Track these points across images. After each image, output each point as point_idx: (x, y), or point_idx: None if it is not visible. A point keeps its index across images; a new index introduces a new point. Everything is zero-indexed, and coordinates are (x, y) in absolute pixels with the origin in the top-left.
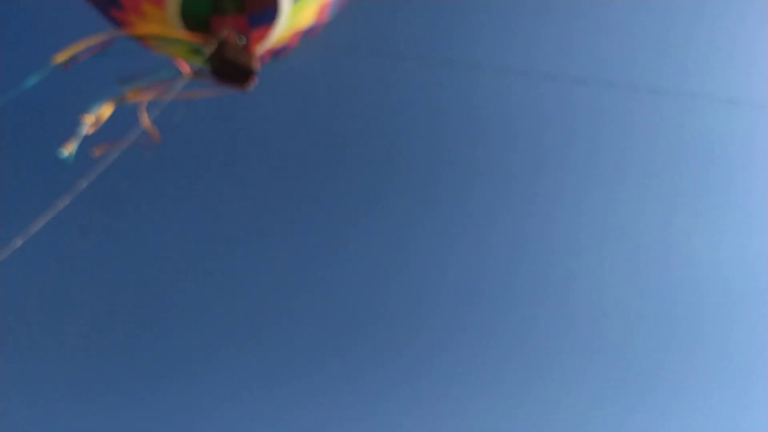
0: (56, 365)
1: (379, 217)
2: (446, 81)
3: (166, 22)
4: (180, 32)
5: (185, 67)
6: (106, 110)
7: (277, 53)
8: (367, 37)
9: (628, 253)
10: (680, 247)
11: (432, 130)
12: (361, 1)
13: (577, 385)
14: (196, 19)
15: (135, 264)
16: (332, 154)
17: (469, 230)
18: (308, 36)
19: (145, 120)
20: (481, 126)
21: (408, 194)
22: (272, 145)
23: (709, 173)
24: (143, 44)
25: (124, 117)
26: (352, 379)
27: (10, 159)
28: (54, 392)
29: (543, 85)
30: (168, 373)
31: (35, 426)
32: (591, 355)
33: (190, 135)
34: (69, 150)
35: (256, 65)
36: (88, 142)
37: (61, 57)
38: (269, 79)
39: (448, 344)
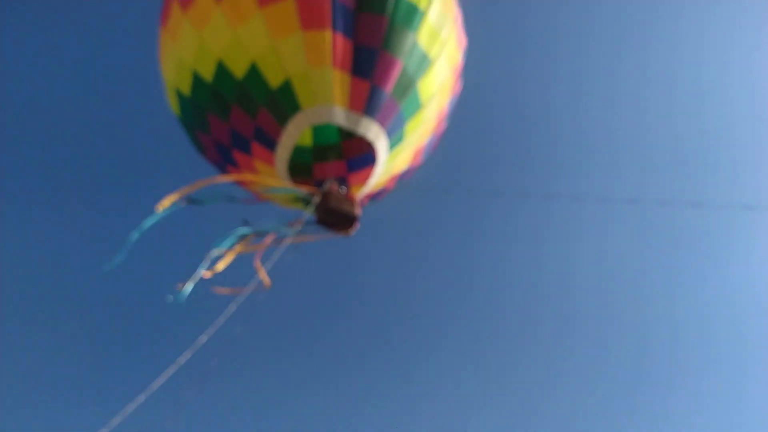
0: None
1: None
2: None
3: (274, 176)
4: (287, 183)
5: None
6: (226, 258)
7: (375, 196)
8: (458, 176)
9: None
10: None
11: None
12: (455, 140)
13: None
14: (300, 168)
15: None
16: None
17: None
18: (404, 178)
19: (259, 268)
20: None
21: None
22: (374, 282)
23: None
24: (251, 192)
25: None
26: None
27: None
28: None
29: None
30: None
31: None
32: None
33: (297, 276)
34: (183, 289)
35: (358, 212)
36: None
37: (166, 202)
38: (367, 218)
39: None
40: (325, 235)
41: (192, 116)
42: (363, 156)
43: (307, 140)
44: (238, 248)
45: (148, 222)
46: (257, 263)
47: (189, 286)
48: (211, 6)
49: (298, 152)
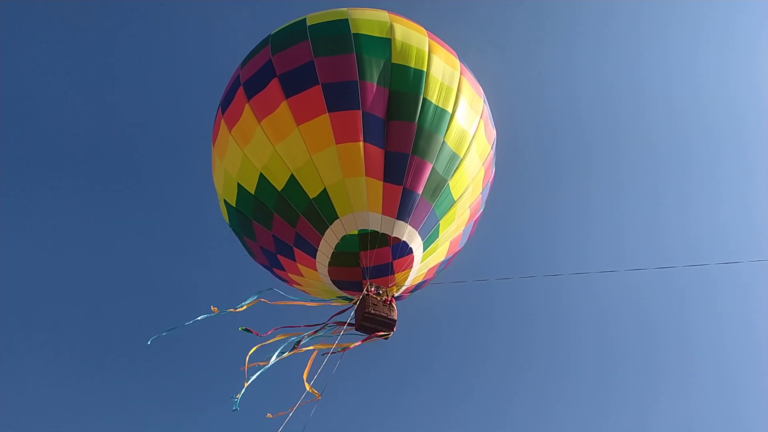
0: None
1: None
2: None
3: (317, 279)
4: (329, 287)
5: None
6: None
7: (414, 289)
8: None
9: None
10: None
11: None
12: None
13: None
14: (344, 260)
15: None
16: None
17: None
18: (443, 267)
19: (306, 379)
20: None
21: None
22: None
23: None
24: (301, 291)
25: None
26: None
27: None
28: None
29: None
30: None
31: None
32: None
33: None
34: (237, 399)
35: (395, 316)
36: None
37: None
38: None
39: None
40: (365, 340)
41: (239, 224)
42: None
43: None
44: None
45: (200, 317)
46: (305, 377)
47: (240, 395)
48: (253, 125)
49: (344, 240)
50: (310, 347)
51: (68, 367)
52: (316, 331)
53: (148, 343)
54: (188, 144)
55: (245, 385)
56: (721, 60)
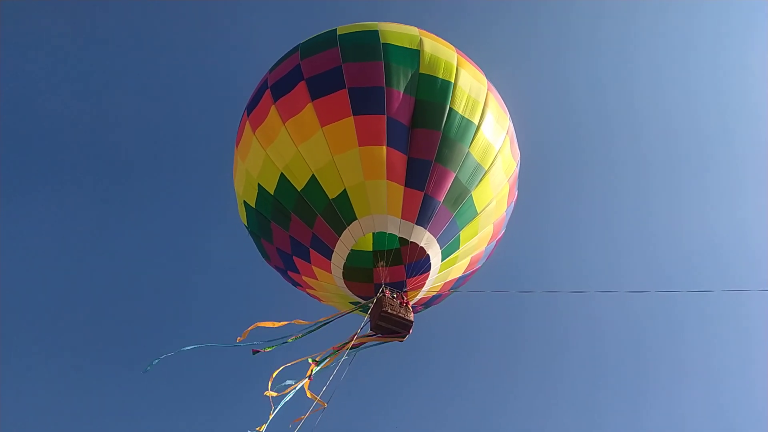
0: None
1: None
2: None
3: (332, 282)
4: (344, 291)
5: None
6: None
7: (429, 302)
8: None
9: None
10: None
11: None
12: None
13: None
14: (358, 273)
15: None
16: None
17: None
18: (459, 284)
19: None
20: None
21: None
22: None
23: None
24: (312, 296)
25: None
26: None
27: None
28: None
29: None
30: None
31: None
32: None
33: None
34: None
35: (411, 318)
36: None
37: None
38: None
39: None
40: (380, 341)
41: (257, 226)
42: (420, 261)
43: (367, 245)
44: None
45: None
46: (306, 386)
47: (265, 426)
48: (278, 125)
49: (358, 257)
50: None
51: (68, 367)
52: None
53: (146, 369)
54: (194, 148)
55: (270, 416)
56: (736, 68)
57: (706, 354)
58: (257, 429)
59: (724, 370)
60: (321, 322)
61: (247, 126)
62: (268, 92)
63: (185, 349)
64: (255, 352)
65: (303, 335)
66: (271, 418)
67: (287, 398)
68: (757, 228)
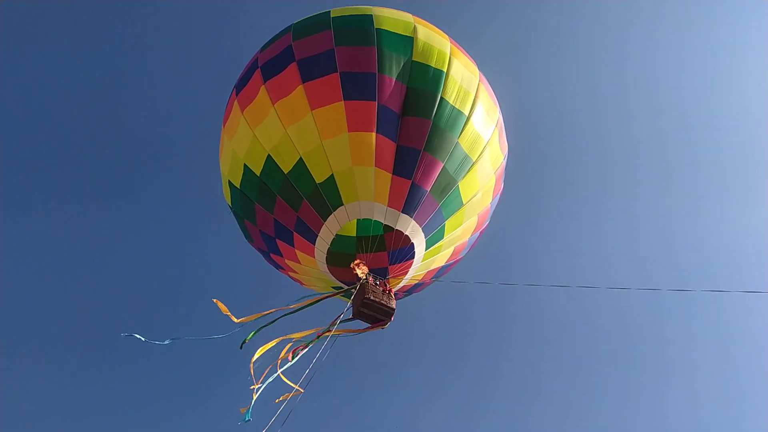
0: None
1: None
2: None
3: (315, 264)
4: (327, 276)
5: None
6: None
7: (411, 290)
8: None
9: None
10: None
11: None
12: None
13: None
14: (341, 258)
15: None
16: None
17: None
18: (441, 273)
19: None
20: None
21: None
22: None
23: None
24: (294, 279)
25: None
26: None
27: None
28: None
29: None
30: None
31: None
32: None
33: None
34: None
35: (393, 305)
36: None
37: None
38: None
39: None
40: (362, 329)
41: (242, 206)
42: (404, 249)
43: (351, 230)
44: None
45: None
46: (279, 372)
47: (249, 408)
48: (267, 106)
49: (342, 242)
50: (310, 331)
51: (67, 366)
52: (321, 334)
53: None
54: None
55: (254, 397)
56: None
57: (686, 349)
58: (241, 410)
59: (704, 366)
60: (303, 305)
61: (236, 105)
62: (258, 72)
63: (170, 340)
64: (242, 345)
65: (286, 315)
66: (255, 397)
67: (274, 377)
68: (744, 228)
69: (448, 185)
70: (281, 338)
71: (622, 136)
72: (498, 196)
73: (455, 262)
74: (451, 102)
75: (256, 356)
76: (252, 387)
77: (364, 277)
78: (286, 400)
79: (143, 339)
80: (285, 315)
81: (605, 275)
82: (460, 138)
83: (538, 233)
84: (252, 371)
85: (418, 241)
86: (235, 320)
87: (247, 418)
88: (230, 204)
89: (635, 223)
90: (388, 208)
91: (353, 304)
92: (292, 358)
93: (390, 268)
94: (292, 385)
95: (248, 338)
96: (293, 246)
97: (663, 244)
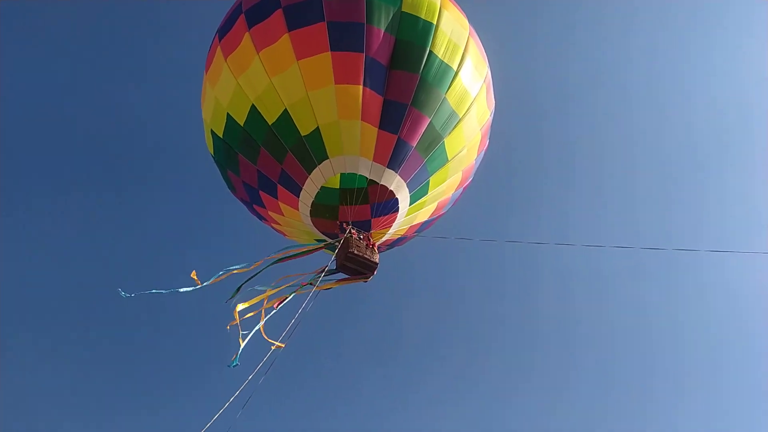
0: None
1: None
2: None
3: (298, 219)
4: (310, 229)
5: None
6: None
7: (394, 243)
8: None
9: None
10: None
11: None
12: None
13: None
14: (325, 210)
15: None
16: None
17: None
18: (424, 227)
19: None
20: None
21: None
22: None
23: None
24: (277, 231)
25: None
26: None
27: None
28: None
29: None
30: None
31: None
32: None
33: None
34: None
35: (377, 259)
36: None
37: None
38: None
39: None
40: (344, 282)
41: (224, 156)
42: (388, 202)
43: (334, 183)
44: (263, 300)
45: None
46: (262, 329)
47: (238, 354)
48: (251, 54)
49: (325, 193)
50: (290, 284)
51: (67, 365)
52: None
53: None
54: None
55: (241, 343)
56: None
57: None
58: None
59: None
60: (286, 254)
61: (219, 52)
62: (242, 17)
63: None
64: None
65: (268, 266)
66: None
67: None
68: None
69: (434, 141)
70: (269, 290)
71: (615, 87)
72: (483, 152)
73: (438, 217)
74: (439, 56)
75: (239, 307)
76: (236, 329)
77: (348, 232)
78: (270, 351)
79: (123, 294)
80: (268, 266)
81: (580, 232)
82: (447, 93)
83: (519, 190)
84: (237, 319)
85: (403, 196)
86: (199, 283)
87: (234, 363)
88: (213, 153)
89: (617, 181)
90: (374, 163)
91: (337, 258)
92: (276, 307)
93: (373, 221)
94: (270, 341)
95: (234, 294)
96: (277, 198)
97: (655, 208)
